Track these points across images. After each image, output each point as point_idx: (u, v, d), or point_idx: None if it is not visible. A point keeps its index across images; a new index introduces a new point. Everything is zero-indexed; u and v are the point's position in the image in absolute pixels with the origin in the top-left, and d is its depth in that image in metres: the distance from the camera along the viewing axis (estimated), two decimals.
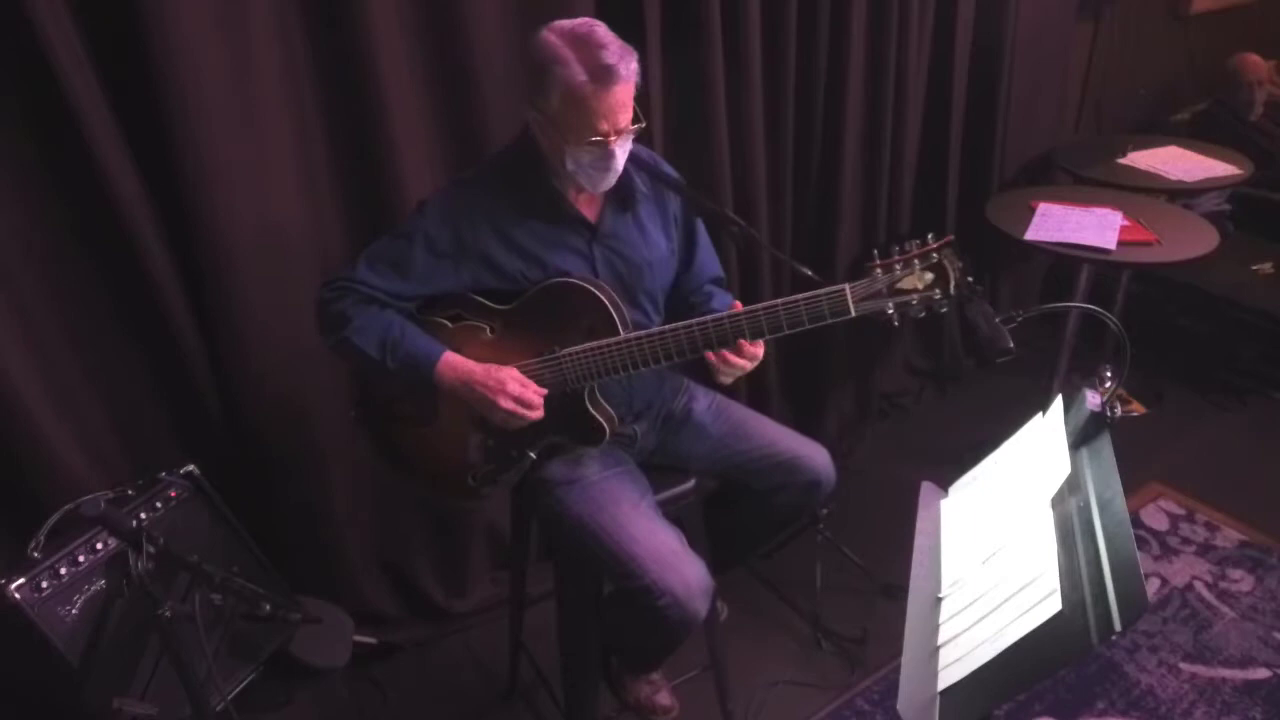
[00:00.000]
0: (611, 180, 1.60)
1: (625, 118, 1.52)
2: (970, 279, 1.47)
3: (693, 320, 1.57)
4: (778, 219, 2.76)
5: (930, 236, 1.47)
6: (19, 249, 1.74)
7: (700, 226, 1.87)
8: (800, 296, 1.51)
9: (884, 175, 2.93)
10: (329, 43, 1.88)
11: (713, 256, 1.92)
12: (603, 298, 1.61)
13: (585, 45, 1.46)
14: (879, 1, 2.66)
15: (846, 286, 1.49)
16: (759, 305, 1.54)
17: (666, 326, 1.59)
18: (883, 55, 2.74)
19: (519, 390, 1.59)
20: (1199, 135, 3.59)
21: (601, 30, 1.49)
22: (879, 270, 1.48)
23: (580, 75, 1.45)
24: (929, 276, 1.46)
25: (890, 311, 1.49)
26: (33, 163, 1.70)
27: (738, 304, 1.57)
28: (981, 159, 3.28)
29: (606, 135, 1.51)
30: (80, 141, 1.67)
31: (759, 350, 1.60)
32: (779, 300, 1.52)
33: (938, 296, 1.47)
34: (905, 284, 1.47)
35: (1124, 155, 3.27)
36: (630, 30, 2.18)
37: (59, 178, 1.73)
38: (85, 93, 1.65)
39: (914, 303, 1.48)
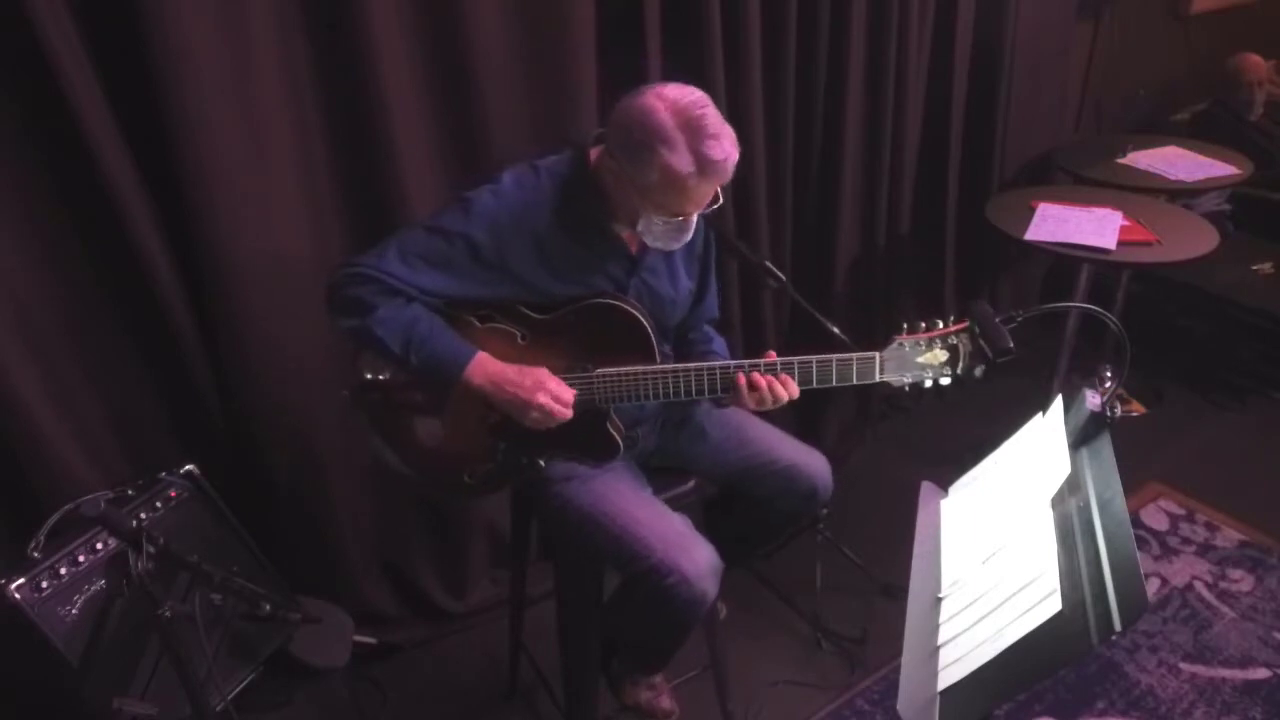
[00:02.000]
0: (677, 246, 1.63)
1: (710, 199, 1.55)
2: (983, 365, 1.59)
3: (730, 361, 1.64)
4: (778, 219, 2.76)
5: (951, 319, 1.59)
6: (19, 249, 1.74)
7: (713, 266, 1.87)
8: (834, 357, 1.60)
9: (884, 175, 2.93)
10: (329, 43, 1.88)
11: (716, 298, 1.93)
12: (645, 323, 1.61)
13: (698, 133, 1.44)
14: (879, 1, 2.66)
15: (877, 355, 1.59)
16: (795, 358, 1.61)
17: (704, 364, 1.62)
18: (883, 55, 2.74)
19: (556, 389, 1.57)
20: (1199, 135, 3.59)
21: (713, 115, 1.47)
22: (905, 344, 1.59)
23: (688, 167, 1.45)
24: (943, 355, 1.59)
25: (906, 380, 1.61)
26: (33, 163, 1.70)
27: (772, 353, 1.62)
28: (981, 159, 3.28)
29: (690, 214, 1.54)
30: (80, 142, 1.67)
31: (796, 391, 1.63)
32: (815, 357, 1.61)
33: (946, 372, 1.60)
34: (924, 358, 1.59)
35: (1124, 155, 3.27)
36: (630, 30, 2.20)
37: (59, 178, 1.73)
38: (85, 93, 1.65)
39: (927, 375, 1.61)
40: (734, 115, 2.46)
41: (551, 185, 1.60)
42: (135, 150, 1.76)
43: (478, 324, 1.63)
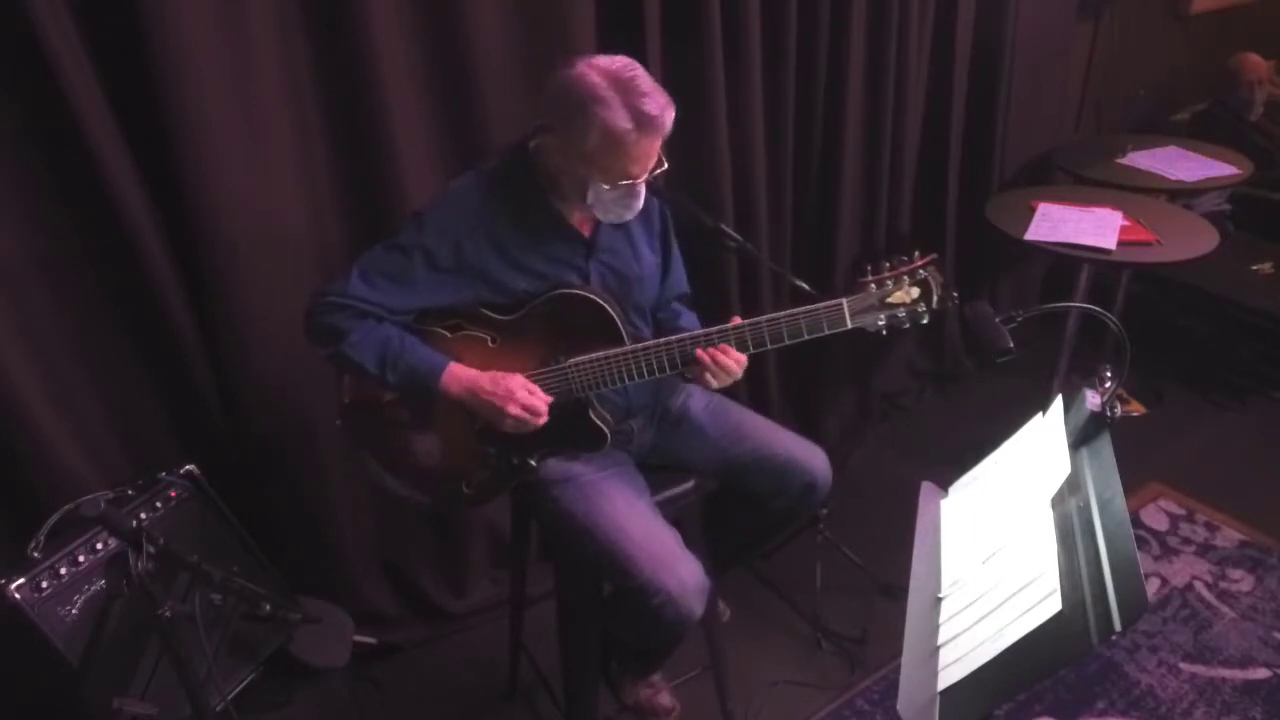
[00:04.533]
0: (630, 215, 1.63)
1: (653, 161, 1.56)
2: (955, 294, 1.59)
3: (698, 331, 1.63)
4: (777, 220, 2.76)
5: (917, 254, 1.58)
6: (19, 249, 1.74)
7: (674, 241, 1.88)
8: (800, 310, 1.59)
9: (884, 175, 2.93)
10: (329, 43, 1.88)
11: (683, 272, 1.93)
12: (607, 308, 1.62)
13: (629, 91, 1.47)
14: (879, 2, 2.66)
15: (844, 301, 1.58)
16: (762, 317, 1.60)
17: (672, 337, 1.62)
18: (883, 56, 2.74)
19: (527, 398, 1.59)
20: (1199, 135, 3.59)
21: (643, 76, 1.50)
22: (872, 285, 1.58)
23: (624, 122, 1.47)
24: (915, 292, 1.57)
25: (881, 323, 1.59)
26: (33, 163, 1.70)
27: (737, 318, 1.62)
28: (981, 159, 3.28)
29: (636, 178, 1.54)
30: (80, 141, 1.67)
31: (743, 357, 1.63)
32: (781, 313, 1.59)
33: (921, 310, 1.58)
34: (894, 298, 1.58)
35: (1124, 155, 3.27)
36: (630, 30, 2.20)
37: (59, 178, 1.73)
38: (85, 93, 1.65)
39: (901, 315, 1.59)
40: (734, 115, 2.46)
41: (496, 183, 1.63)
42: (135, 150, 1.76)
43: (448, 334, 1.65)
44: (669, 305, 1.91)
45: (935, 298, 1.57)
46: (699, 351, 1.61)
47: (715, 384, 1.65)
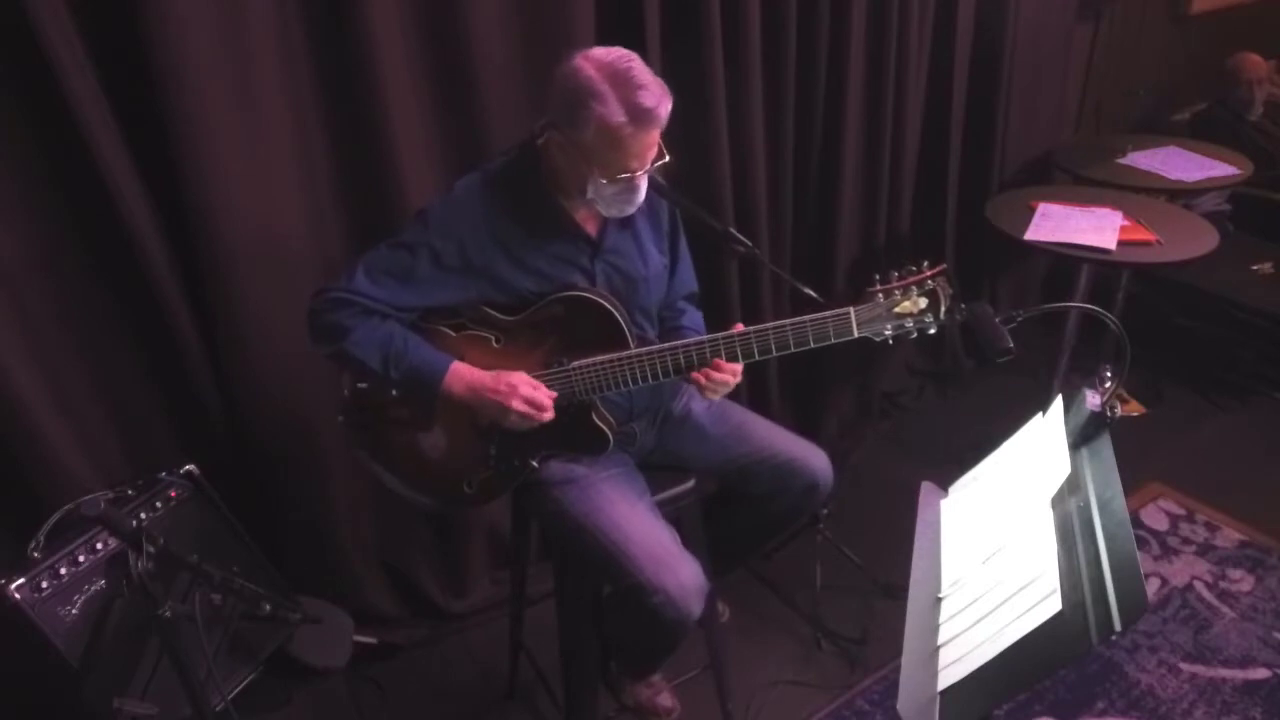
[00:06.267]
0: (631, 210, 1.62)
1: (653, 154, 1.54)
2: (962, 306, 1.57)
3: (704, 336, 1.63)
4: (777, 220, 2.76)
5: (926, 264, 1.56)
6: (20, 249, 1.74)
7: (683, 240, 1.87)
8: (807, 318, 1.57)
9: (884, 175, 2.93)
10: (329, 44, 1.88)
11: (691, 271, 1.92)
12: (614, 311, 1.62)
13: (625, 83, 1.45)
14: (879, 1, 2.66)
15: (851, 310, 1.56)
16: (768, 324, 1.59)
17: (678, 342, 1.62)
18: (883, 56, 2.74)
19: (530, 393, 1.59)
20: (1199, 135, 3.59)
21: (639, 67, 1.48)
22: (880, 295, 1.56)
23: (619, 116, 1.45)
24: (923, 302, 1.56)
25: (887, 332, 1.58)
26: (33, 164, 1.70)
27: (739, 325, 1.61)
28: (981, 159, 3.28)
29: (635, 172, 1.53)
30: (81, 142, 1.67)
31: (738, 368, 1.64)
32: (788, 320, 1.58)
33: (929, 320, 1.57)
34: (901, 308, 1.56)
35: (1124, 155, 3.27)
36: (630, 30, 2.20)
37: (59, 178, 1.73)
38: (85, 93, 1.65)
39: (908, 325, 1.57)
40: (734, 115, 2.46)
41: (502, 181, 1.62)
42: (135, 150, 1.76)
43: (452, 333, 1.65)
44: (673, 304, 1.90)
45: (943, 309, 1.55)
46: (694, 374, 1.61)
47: (714, 398, 1.66)
